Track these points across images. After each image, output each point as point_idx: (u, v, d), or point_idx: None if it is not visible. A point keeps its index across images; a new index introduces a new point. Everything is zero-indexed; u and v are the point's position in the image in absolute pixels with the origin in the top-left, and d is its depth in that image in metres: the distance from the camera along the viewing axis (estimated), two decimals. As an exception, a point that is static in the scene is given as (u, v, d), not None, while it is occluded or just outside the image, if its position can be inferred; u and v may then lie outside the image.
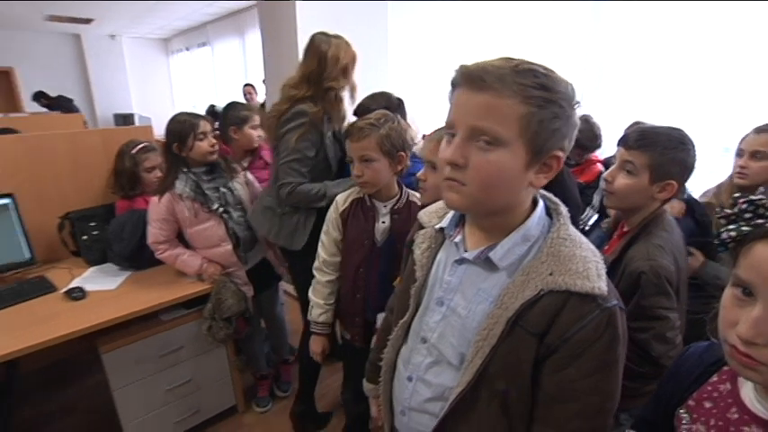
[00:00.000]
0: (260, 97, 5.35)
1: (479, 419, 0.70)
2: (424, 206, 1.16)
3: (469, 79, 0.61)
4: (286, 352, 2.28)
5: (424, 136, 2.08)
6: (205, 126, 1.68)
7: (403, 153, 1.32)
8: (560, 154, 0.64)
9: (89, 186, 2.10)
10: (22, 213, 1.83)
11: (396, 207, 1.37)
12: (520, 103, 0.58)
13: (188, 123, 1.65)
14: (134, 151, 1.98)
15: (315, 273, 1.49)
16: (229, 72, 7.33)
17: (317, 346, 1.51)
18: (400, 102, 1.87)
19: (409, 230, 1.33)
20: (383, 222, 1.37)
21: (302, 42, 2.32)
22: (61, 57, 8.45)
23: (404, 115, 1.70)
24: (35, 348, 1.39)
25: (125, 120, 7.86)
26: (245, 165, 2.11)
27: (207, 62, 8.05)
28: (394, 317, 0.89)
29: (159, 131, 2.11)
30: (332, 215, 1.44)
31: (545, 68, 0.61)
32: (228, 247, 1.75)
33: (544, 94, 0.59)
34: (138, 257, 1.81)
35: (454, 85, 0.64)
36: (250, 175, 1.91)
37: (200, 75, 8.38)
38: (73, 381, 2.29)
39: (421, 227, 0.85)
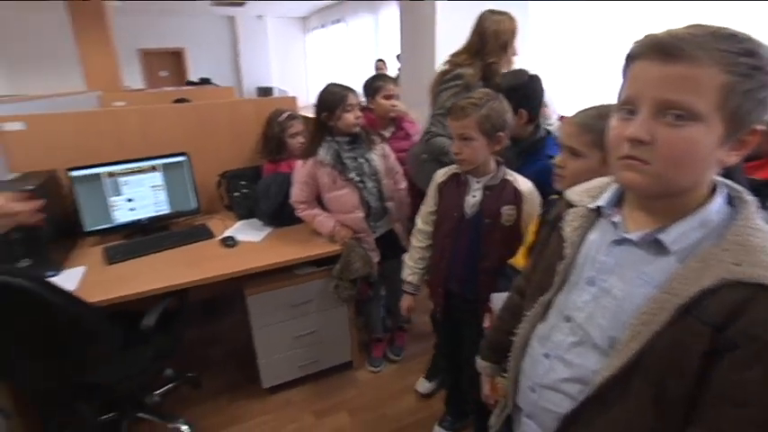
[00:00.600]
0: (392, 72, 5.47)
1: (625, 410, 0.66)
2: (548, 192, 1.12)
3: (661, 49, 0.56)
4: (403, 319, 2.38)
5: (561, 117, 1.96)
6: (353, 99, 1.77)
7: (502, 133, 1.33)
8: (762, 128, 0.57)
9: (242, 149, 2.38)
10: (192, 169, 2.14)
11: (489, 183, 1.38)
12: (721, 72, 0.53)
13: (338, 95, 1.76)
14: (281, 119, 2.19)
15: (411, 237, 1.64)
16: (362, 47, 7.59)
17: (404, 302, 1.67)
18: (532, 78, 1.79)
19: (500, 207, 1.37)
20: (473, 196, 1.40)
21: (440, 18, 2.32)
22: (219, 37, 9.56)
23: (540, 93, 1.63)
24: (199, 283, 1.65)
25: (265, 92, 8.67)
26: (387, 135, 2.17)
27: (341, 38, 8.43)
28: (531, 292, 0.88)
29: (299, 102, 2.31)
30: (431, 186, 1.53)
31: (745, 34, 0.54)
32: (360, 214, 1.86)
33: (750, 60, 0.53)
34: (279, 215, 2.02)
35: (632, 57, 0.60)
36: (387, 148, 1.97)
37: (333, 50, 8.82)
38: (222, 315, 2.69)
39: (569, 205, 0.82)
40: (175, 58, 9.34)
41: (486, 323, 1.29)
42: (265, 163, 2.25)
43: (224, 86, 6.16)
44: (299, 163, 1.90)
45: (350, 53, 8.14)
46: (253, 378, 2.03)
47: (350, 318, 2.07)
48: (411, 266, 1.62)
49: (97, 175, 1.92)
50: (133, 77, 8.15)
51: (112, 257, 1.80)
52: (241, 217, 2.20)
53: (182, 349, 1.79)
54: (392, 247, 1.99)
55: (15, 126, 1.95)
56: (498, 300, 1.17)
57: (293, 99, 2.42)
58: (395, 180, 1.98)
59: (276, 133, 2.17)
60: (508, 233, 1.37)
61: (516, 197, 1.37)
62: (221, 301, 2.67)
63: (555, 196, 1.19)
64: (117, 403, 1.86)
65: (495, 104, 1.32)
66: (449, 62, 1.90)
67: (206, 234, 2.00)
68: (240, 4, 8.20)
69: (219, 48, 9.56)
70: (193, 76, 9.08)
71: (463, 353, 1.55)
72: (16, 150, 1.97)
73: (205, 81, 7.82)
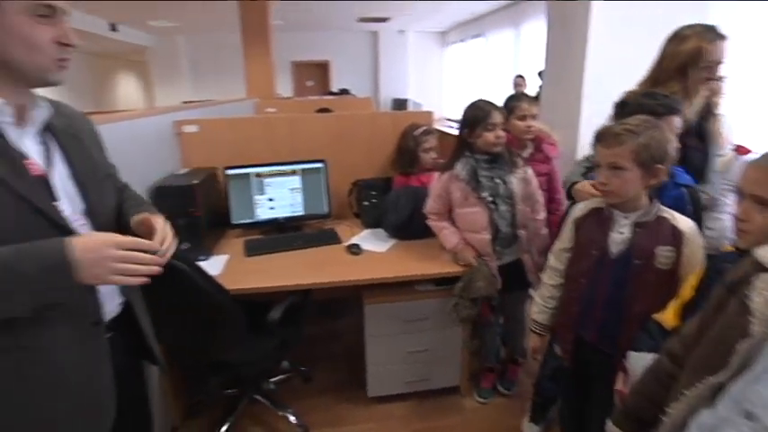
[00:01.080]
0: (530, 89, 5.25)
1: None
2: (739, 248, 0.92)
3: None
4: (518, 352, 2.22)
5: (739, 148, 1.64)
6: (496, 117, 1.71)
7: (661, 166, 1.16)
8: None
9: (375, 160, 2.46)
10: (328, 176, 2.26)
11: (641, 220, 1.22)
12: None
13: (482, 113, 1.71)
14: (416, 133, 2.20)
15: (543, 273, 1.51)
16: (501, 63, 7.43)
17: (532, 342, 1.56)
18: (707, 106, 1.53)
19: (654, 247, 1.18)
20: (620, 233, 1.23)
21: (593, 37, 2.12)
22: (361, 50, 10.17)
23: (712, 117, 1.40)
24: (324, 285, 1.73)
25: (400, 104, 8.94)
26: (526, 156, 2.06)
27: (479, 53, 8.35)
28: (693, 367, 0.72)
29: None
30: (567, 220, 1.39)
31: None
32: (487, 236, 1.78)
33: None
34: (405, 229, 2.03)
35: None
36: (531, 173, 1.86)
37: (471, 65, 8.78)
38: (338, 316, 2.80)
39: (761, 268, 0.65)
40: (321, 69, 10.19)
41: (619, 385, 1.12)
42: (396, 175, 2.28)
43: (362, 97, 6.50)
44: (436, 174, 1.89)
45: (488, 68, 8.02)
46: (360, 383, 2.06)
47: (463, 340, 1.98)
48: (540, 305, 1.49)
49: (247, 175, 2.14)
50: (284, 86, 9.12)
51: (251, 250, 1.97)
52: (368, 226, 2.26)
53: (298, 344, 1.90)
54: (517, 278, 1.86)
55: (191, 129, 2.26)
56: (638, 360, 1.03)
57: (430, 114, 2.43)
58: (533, 208, 1.84)
59: (410, 147, 2.20)
60: (662, 278, 1.19)
61: (675, 237, 1.19)
62: (339, 303, 2.78)
63: (728, 248, 0.99)
64: (240, 382, 2.03)
65: (655, 133, 1.16)
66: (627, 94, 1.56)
67: (334, 239, 2.09)
68: (384, 20, 8.62)
69: (361, 60, 10.18)
70: (336, 87, 9.79)
71: (590, 412, 1.37)
72: (190, 149, 2.28)
73: (344, 91, 8.36)
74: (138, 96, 12.16)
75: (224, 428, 1.86)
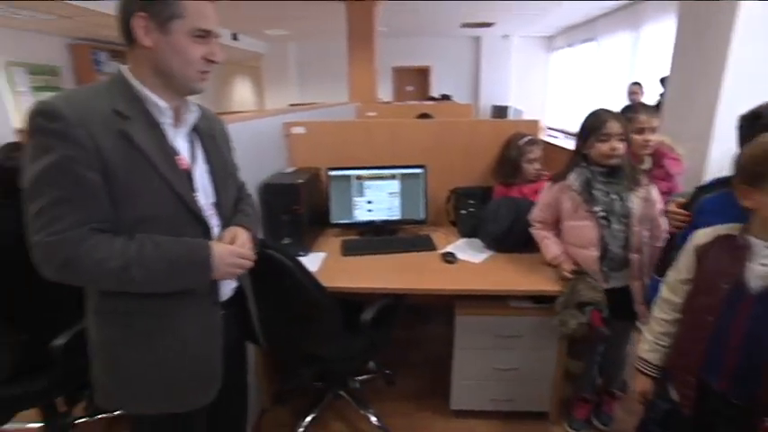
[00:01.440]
0: (648, 98, 4.80)
1: None
2: None
3: None
4: (616, 385, 2.03)
5: None
6: (612, 127, 1.59)
7: None
8: None
9: (474, 168, 2.40)
10: (427, 182, 2.26)
11: None
12: None
13: (597, 121, 1.61)
14: (521, 142, 2.12)
15: (653, 305, 1.33)
16: (613, 69, 6.89)
17: (639, 384, 1.35)
18: None
19: None
20: (764, 265, 1.04)
21: (737, 42, 1.87)
22: (462, 55, 10.06)
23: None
24: (417, 292, 1.72)
25: (500, 111, 8.70)
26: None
27: (589, 58, 7.84)
28: None
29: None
30: (686, 249, 1.22)
31: None
32: (595, 253, 1.64)
33: None
34: (503, 240, 1.95)
35: None
36: (656, 194, 1.69)
37: (579, 71, 8.27)
38: (427, 322, 2.78)
39: None
40: (421, 75, 10.26)
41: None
42: (497, 185, 2.21)
43: (463, 103, 6.44)
44: (547, 183, 1.81)
45: (599, 75, 7.49)
46: (442, 394, 2.02)
47: (557, 361, 1.85)
48: (651, 342, 1.31)
49: (348, 177, 2.21)
50: (384, 91, 9.33)
51: (347, 250, 2.03)
52: (464, 234, 2.21)
53: (387, 346, 1.91)
54: (623, 307, 1.68)
55: (299, 130, 2.40)
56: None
57: (536, 123, 2.32)
58: (652, 233, 1.66)
59: (513, 156, 2.11)
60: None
61: None
62: (426, 309, 2.76)
63: None
64: (327, 377, 2.10)
65: None
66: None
67: (429, 245, 2.08)
68: (489, 26, 8.45)
69: (461, 65, 10.08)
70: (435, 92, 9.81)
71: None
72: (297, 149, 2.42)
73: (445, 97, 8.33)
74: (250, 99, 13.25)
75: (309, 418, 1.94)
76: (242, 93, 13.50)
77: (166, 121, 1.00)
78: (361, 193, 2.22)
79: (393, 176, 2.22)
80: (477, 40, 9.89)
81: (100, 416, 2.00)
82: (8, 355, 1.46)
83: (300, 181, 1.95)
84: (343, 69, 6.14)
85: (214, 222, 1.07)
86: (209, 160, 1.10)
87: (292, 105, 5.56)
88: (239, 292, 1.20)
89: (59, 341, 1.57)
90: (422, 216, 2.27)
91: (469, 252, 2.01)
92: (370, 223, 2.26)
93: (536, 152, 2.10)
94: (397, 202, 2.24)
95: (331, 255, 2.02)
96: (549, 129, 7.75)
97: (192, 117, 1.06)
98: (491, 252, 2.02)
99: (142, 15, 0.91)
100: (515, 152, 2.11)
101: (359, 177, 2.21)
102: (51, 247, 0.86)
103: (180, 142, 1.03)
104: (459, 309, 1.81)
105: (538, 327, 1.78)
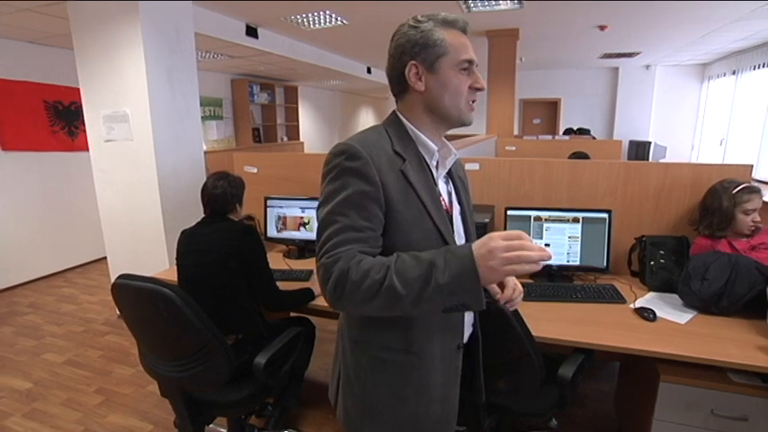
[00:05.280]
0: None
1: None
2: None
3: None
4: None
5: None
6: None
7: None
8: None
9: (665, 215, 2.19)
10: (611, 228, 2.10)
11: None
12: None
13: None
14: (735, 190, 1.87)
15: None
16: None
17: None
18: None
19: None
20: None
21: None
22: (598, 87, 9.49)
23: None
24: (618, 350, 1.57)
25: (638, 147, 7.99)
26: None
27: (760, 86, 6.87)
28: None
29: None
30: None
31: None
32: None
33: None
34: (715, 302, 1.71)
35: None
36: None
37: (744, 101, 7.28)
38: (590, 379, 2.57)
39: None
40: (550, 107, 9.88)
41: None
42: (698, 237, 1.98)
43: (612, 139, 6.02)
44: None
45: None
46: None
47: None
48: None
49: (527, 217, 2.14)
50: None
51: (527, 294, 1.94)
52: (654, 288, 2.00)
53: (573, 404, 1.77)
54: None
55: (474, 167, 2.39)
56: None
57: (747, 168, 2.04)
58: None
59: (726, 206, 1.87)
60: None
61: None
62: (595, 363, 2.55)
63: None
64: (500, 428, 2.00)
65: None
66: None
67: (617, 297, 1.91)
68: (632, 56, 7.90)
69: (595, 97, 9.50)
70: (564, 125, 9.37)
71: None
72: (474, 185, 2.38)
73: (583, 131, 7.90)
74: (373, 128, 13.97)
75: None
76: (366, 121, 14.27)
77: (433, 163, 1.05)
78: (540, 235, 2.14)
79: (576, 220, 2.10)
80: (614, 70, 9.29)
81: None
82: (225, 363, 1.62)
83: (487, 220, 1.93)
84: (485, 104, 6.10)
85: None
86: (461, 202, 1.14)
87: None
88: (473, 338, 1.19)
89: (260, 359, 1.72)
90: (604, 264, 2.11)
91: (668, 310, 1.81)
92: (547, 267, 2.15)
93: (756, 202, 1.84)
94: (576, 247, 2.11)
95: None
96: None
97: (451, 161, 1.10)
98: (695, 312, 1.79)
99: (414, 63, 0.98)
100: (728, 202, 1.87)
101: (538, 219, 2.13)
102: (329, 267, 0.88)
103: (441, 184, 1.08)
104: (665, 375, 1.61)
105: (768, 410, 1.51)
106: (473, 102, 1.04)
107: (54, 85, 4.70)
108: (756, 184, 1.91)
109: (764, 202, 1.90)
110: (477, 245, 0.81)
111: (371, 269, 0.85)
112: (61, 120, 4.82)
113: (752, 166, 2.06)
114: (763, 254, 1.85)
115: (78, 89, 3.32)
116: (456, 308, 0.83)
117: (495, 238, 0.80)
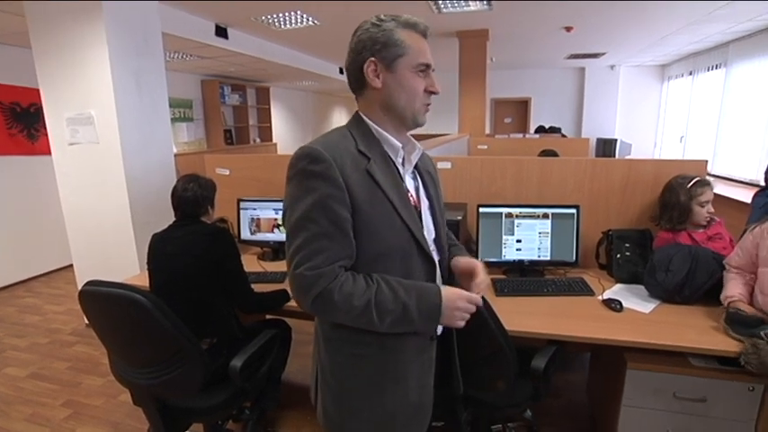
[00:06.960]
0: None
1: None
2: None
3: None
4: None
5: None
6: None
7: None
8: None
9: (630, 208, 2.28)
10: (580, 223, 2.17)
11: None
12: None
13: None
14: (690, 185, 1.97)
15: None
16: (746, 97, 6.23)
17: None
18: None
19: None
20: None
21: None
22: (566, 87, 9.76)
23: None
24: (586, 340, 1.62)
25: (605, 144, 8.25)
26: None
27: (711, 87, 7.20)
28: None
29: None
30: None
31: None
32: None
33: None
34: (677, 292, 1.80)
35: None
36: None
37: (700, 100, 7.62)
38: (564, 370, 2.64)
39: None
40: (521, 106, 10.09)
41: None
42: (659, 231, 2.07)
43: (580, 138, 6.20)
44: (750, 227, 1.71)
45: (725, 104, 6.84)
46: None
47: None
48: None
49: (499, 214, 2.19)
50: (482, 122, 9.28)
51: (501, 290, 1.99)
52: (620, 280, 2.08)
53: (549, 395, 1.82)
54: None
55: (446, 165, 2.43)
56: None
57: (703, 164, 2.15)
58: None
59: (683, 200, 1.96)
60: None
61: None
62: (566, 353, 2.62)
63: None
64: (477, 420, 2.03)
65: None
66: None
67: (586, 290, 1.98)
68: (597, 56, 8.15)
69: (563, 97, 9.76)
70: (534, 123, 9.57)
71: None
72: (444, 183, 2.43)
73: (555, 130, 8.08)
74: (346, 128, 13.95)
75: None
76: (339, 121, 14.23)
77: (398, 160, 1.07)
78: (511, 232, 2.19)
79: (545, 216, 2.16)
80: (581, 70, 9.57)
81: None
82: (200, 368, 1.60)
83: (459, 218, 1.97)
84: (447, 102, 6.17)
85: (435, 258, 1.10)
86: (429, 197, 1.15)
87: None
88: (446, 329, 1.21)
89: (236, 362, 1.70)
90: (573, 258, 2.18)
91: (634, 300, 1.88)
92: (518, 263, 2.20)
93: (708, 194, 1.95)
94: (547, 242, 2.18)
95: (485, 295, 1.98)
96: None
97: (416, 156, 1.11)
98: (658, 302, 1.87)
99: (373, 60, 1.00)
100: (685, 196, 1.97)
101: (509, 215, 2.18)
102: (310, 281, 0.93)
103: (408, 180, 1.09)
104: (632, 362, 1.68)
105: (730, 394, 1.60)
106: (428, 105, 1.07)
107: (10, 86, 4.50)
108: (707, 178, 2.01)
109: (715, 195, 2.01)
110: (446, 299, 0.99)
111: (353, 295, 0.94)
112: (19, 122, 4.63)
113: (707, 161, 2.17)
114: (719, 244, 1.95)
115: (38, 90, 3.19)
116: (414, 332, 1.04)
117: (463, 300, 1.01)
